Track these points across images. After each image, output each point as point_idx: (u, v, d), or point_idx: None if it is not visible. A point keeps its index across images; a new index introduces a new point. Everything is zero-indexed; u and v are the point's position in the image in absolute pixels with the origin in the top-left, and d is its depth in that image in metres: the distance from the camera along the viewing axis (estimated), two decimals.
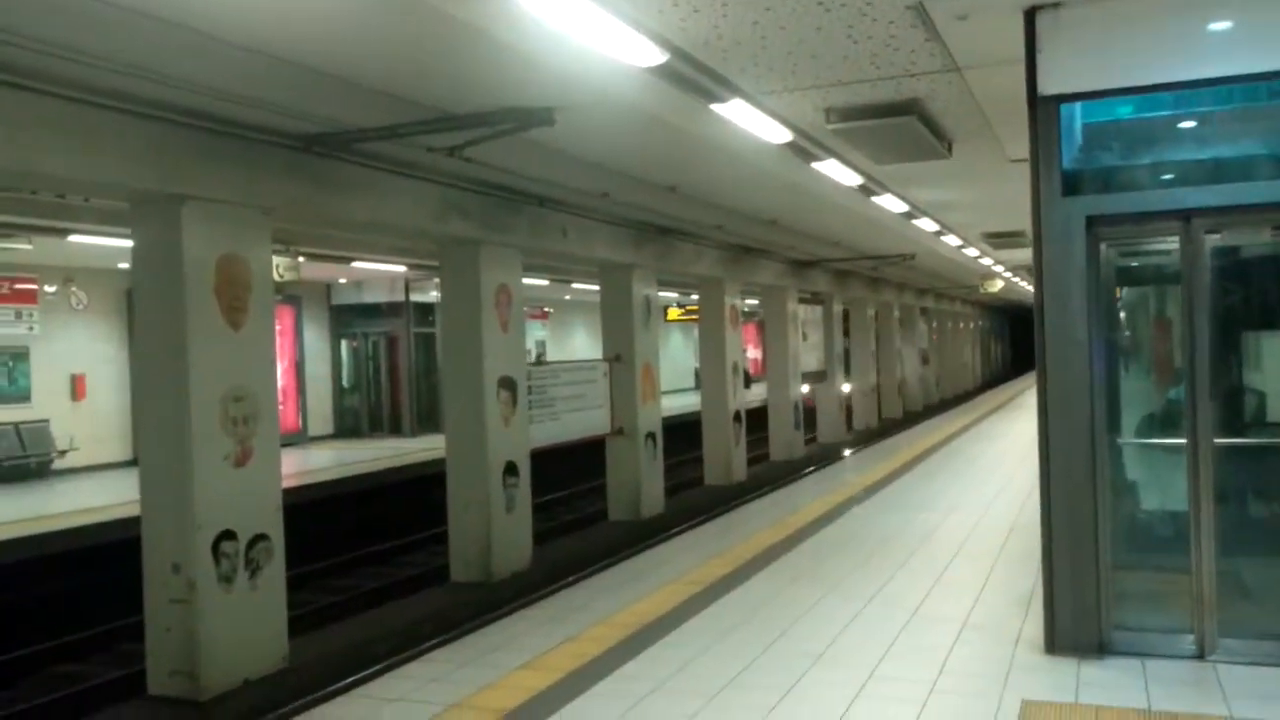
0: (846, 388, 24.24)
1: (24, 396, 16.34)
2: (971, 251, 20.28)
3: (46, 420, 16.37)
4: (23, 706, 8.48)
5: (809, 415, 21.63)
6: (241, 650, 7.08)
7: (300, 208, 7.85)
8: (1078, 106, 5.63)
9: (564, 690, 5.50)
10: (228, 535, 7.04)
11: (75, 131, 6.12)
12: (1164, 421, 6.12)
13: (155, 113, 6.48)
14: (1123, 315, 7.20)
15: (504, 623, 7.09)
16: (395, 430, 21.92)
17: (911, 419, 26.65)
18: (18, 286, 16.25)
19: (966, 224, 16.17)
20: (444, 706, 5.33)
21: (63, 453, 16.36)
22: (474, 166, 8.46)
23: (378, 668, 6.45)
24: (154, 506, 7.04)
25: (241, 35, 5.46)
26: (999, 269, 25.61)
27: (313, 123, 7.17)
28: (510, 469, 10.27)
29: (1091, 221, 5.47)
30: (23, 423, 16.05)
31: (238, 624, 7.07)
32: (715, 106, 7.11)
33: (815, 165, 9.52)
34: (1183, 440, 5.54)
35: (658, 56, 5.77)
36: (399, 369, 22.16)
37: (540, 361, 19.90)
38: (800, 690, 5.35)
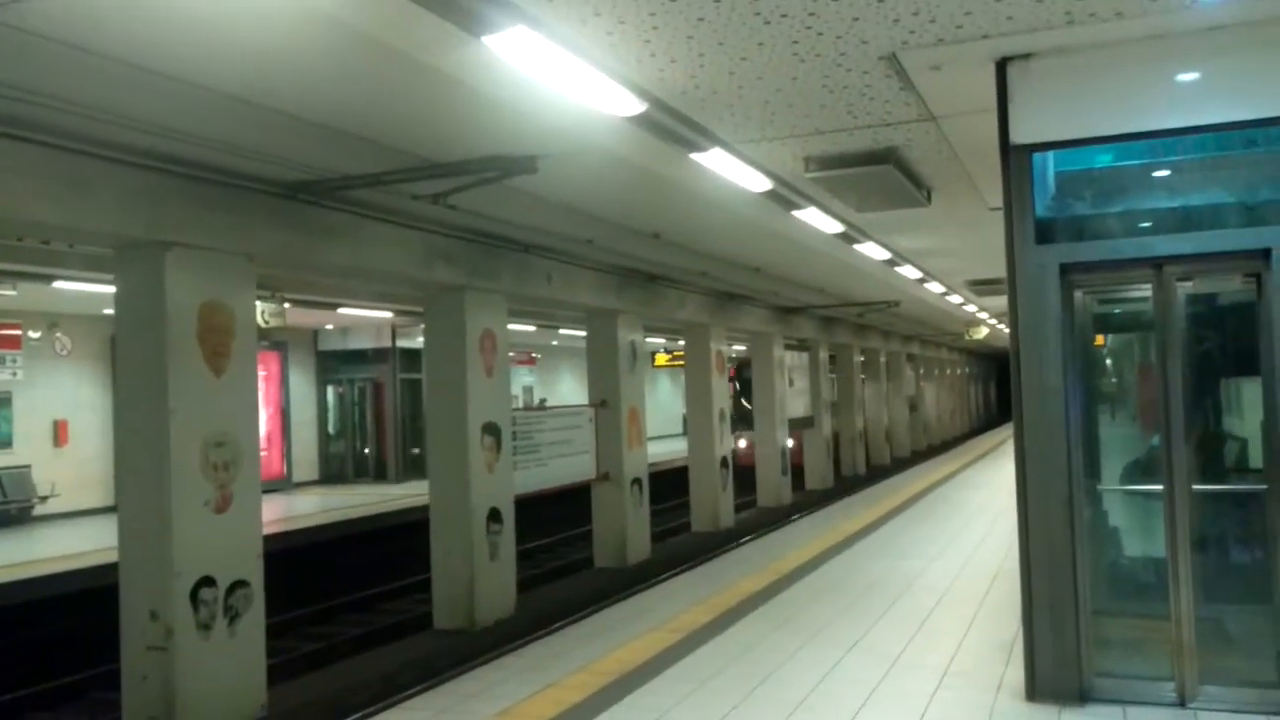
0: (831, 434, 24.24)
1: (5, 442, 16.24)
2: (955, 298, 20.44)
3: (28, 466, 16.25)
4: None
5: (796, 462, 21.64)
6: (219, 699, 6.99)
7: (285, 254, 7.88)
8: (1050, 155, 5.72)
9: None
10: (207, 582, 6.98)
11: (61, 179, 6.15)
12: (1144, 468, 6.15)
13: (141, 160, 6.53)
14: (1107, 362, 7.27)
15: (484, 670, 7.03)
16: (381, 476, 21.83)
17: (899, 465, 26.65)
18: (2, 332, 16.22)
19: (949, 271, 16.31)
20: None
21: (44, 499, 16.23)
22: (459, 214, 8.52)
23: (356, 717, 6.38)
24: (132, 552, 6.98)
25: (225, 84, 5.52)
26: (983, 316, 25.79)
27: (298, 170, 7.23)
28: (494, 515, 10.23)
29: (1065, 269, 5.54)
30: (4, 468, 15.95)
31: (216, 672, 6.98)
32: (695, 155, 7.21)
33: (796, 213, 9.62)
34: (1160, 486, 5.57)
35: (636, 106, 5.86)
36: (385, 415, 22.11)
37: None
38: None
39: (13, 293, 12.41)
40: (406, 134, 6.73)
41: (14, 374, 16.40)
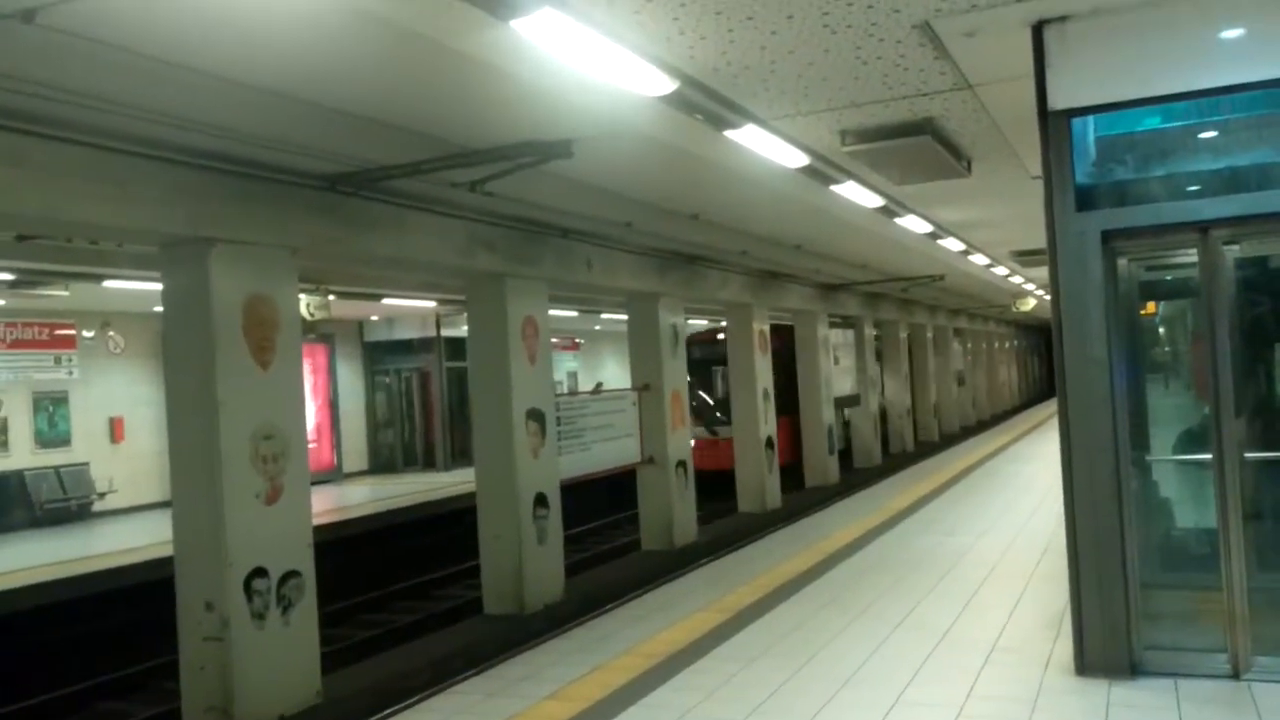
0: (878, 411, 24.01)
1: (64, 440, 16.64)
2: (1001, 270, 20.16)
3: (86, 463, 16.65)
4: None
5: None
6: (275, 687, 7.12)
7: (327, 247, 7.96)
8: (1090, 120, 5.61)
9: None
10: (259, 572, 7.10)
11: (105, 179, 6.26)
12: (1198, 437, 6.03)
13: (183, 158, 6.62)
14: (1159, 330, 7.14)
15: (533, 653, 7.10)
16: (429, 465, 22.06)
17: (948, 440, 26.40)
18: (57, 332, 16.60)
19: (993, 242, 16.09)
20: None
21: (102, 495, 16.62)
22: (497, 201, 8.56)
23: (408, 701, 6.47)
24: (187, 545, 7.12)
25: (261, 78, 5.58)
26: (1030, 287, 25.41)
27: (337, 162, 7.29)
28: (540, 500, 10.29)
29: (1107, 236, 5.44)
30: (63, 466, 16.34)
31: (271, 660, 7.11)
32: (729, 132, 7.16)
33: (835, 188, 9.54)
34: (1209, 455, 5.47)
35: (668, 85, 5.83)
36: (432, 404, 22.32)
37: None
38: (826, 715, 5.31)
39: (65, 293, 12.69)
40: (442, 122, 6.76)
41: (70, 373, 16.78)
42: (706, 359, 20.51)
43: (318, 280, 12.96)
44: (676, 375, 13.58)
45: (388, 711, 6.27)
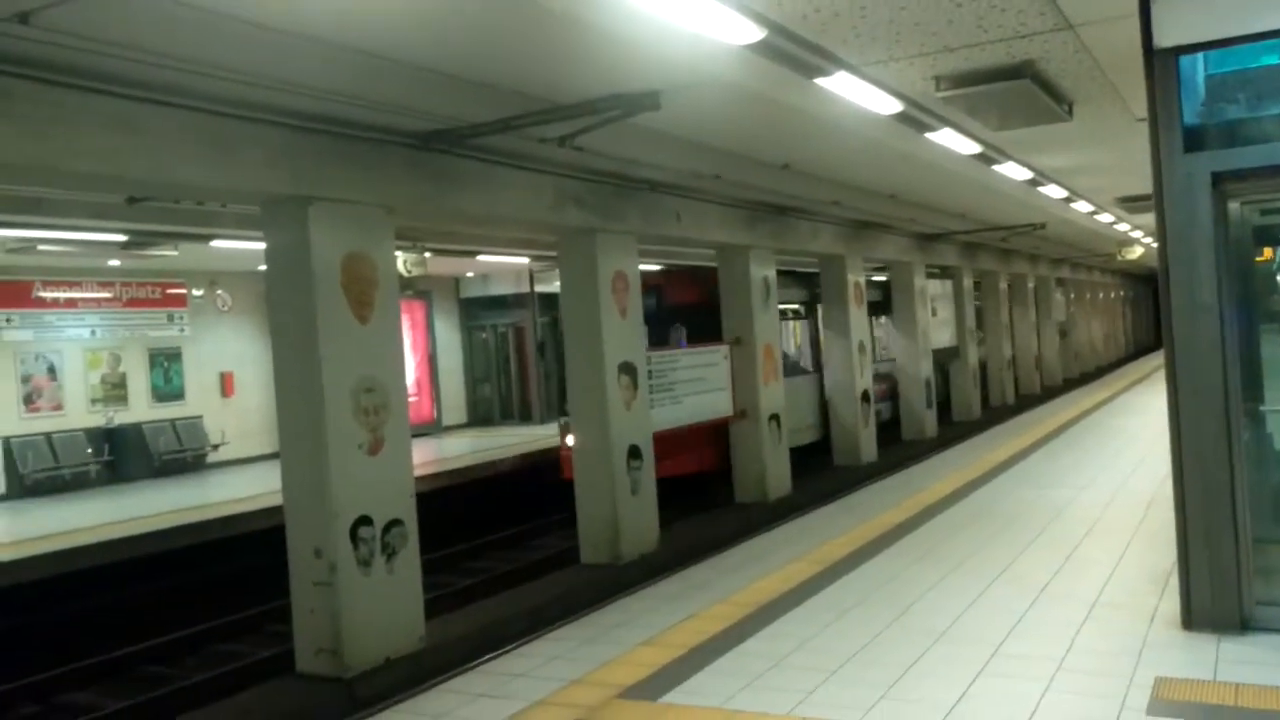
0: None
1: (179, 395, 17.38)
2: (1105, 218, 19.48)
3: (200, 416, 17.37)
4: (185, 683, 9.05)
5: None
6: (381, 631, 7.38)
7: (421, 204, 8.10)
8: (1199, 58, 5.37)
9: (685, 665, 5.60)
10: (364, 521, 7.35)
11: (209, 141, 6.47)
12: None
13: (282, 119, 6.79)
14: (1277, 277, 6.83)
15: (628, 601, 7.23)
16: (526, 418, 22.41)
17: (1049, 394, 25.78)
18: (169, 291, 17.27)
19: (1097, 189, 15.54)
20: (567, 682, 5.49)
21: (215, 447, 17.33)
22: (586, 155, 8.58)
23: (508, 647, 6.66)
24: (295, 494, 7.40)
25: (357, 39, 5.68)
26: (1137, 234, 24.51)
27: (429, 120, 7.39)
28: (634, 452, 10.39)
29: (1217, 178, 5.23)
30: (178, 419, 17.08)
31: (377, 606, 7.37)
32: (819, 80, 7.03)
33: (929, 135, 9.31)
34: None
35: (756, 33, 5.75)
36: (527, 358, 22.63)
37: None
38: (922, 667, 5.30)
39: (174, 253, 13.17)
40: (530, 77, 6.79)
41: (181, 330, 17.47)
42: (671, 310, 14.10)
43: (414, 238, 13.19)
44: (768, 328, 13.52)
45: (488, 656, 6.47)
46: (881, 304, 19.28)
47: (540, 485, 15.42)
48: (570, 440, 11.51)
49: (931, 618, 6.14)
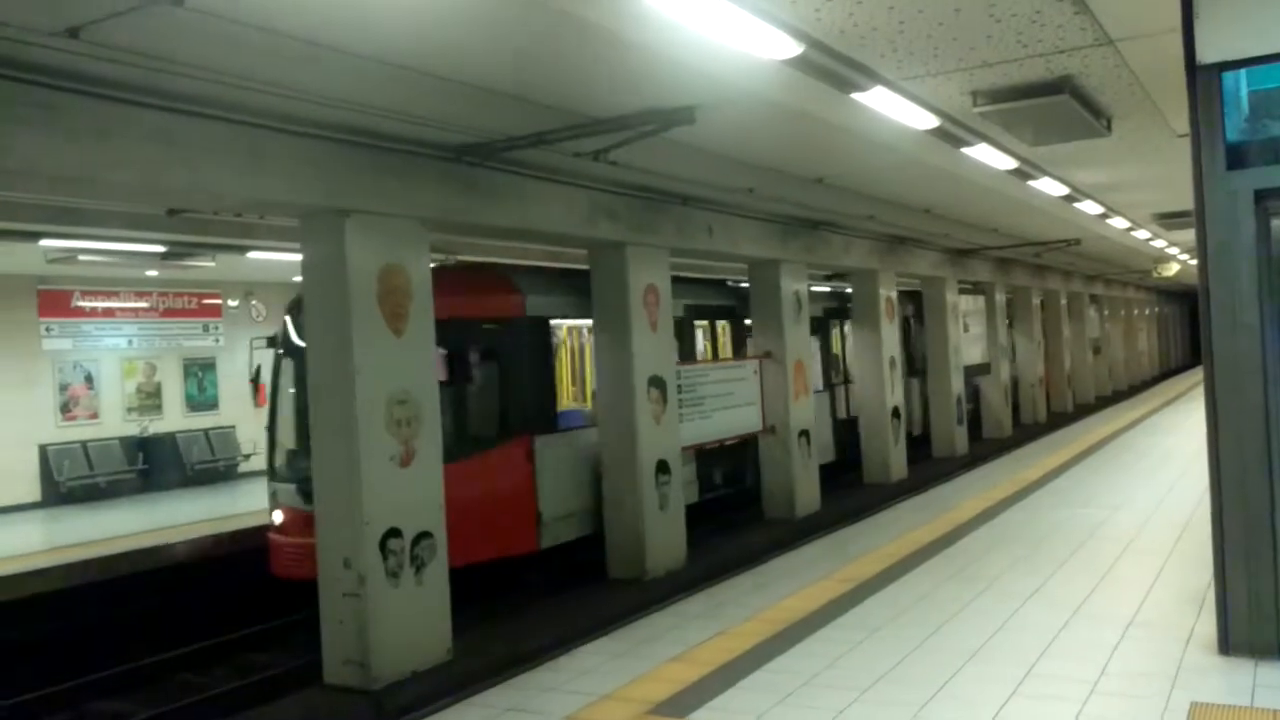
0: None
1: (212, 404, 17.55)
2: (1142, 234, 19.28)
3: (233, 426, 17.51)
4: (215, 691, 9.08)
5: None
6: (409, 643, 7.39)
7: (454, 217, 8.14)
8: (1242, 74, 5.30)
9: (714, 682, 5.56)
10: (394, 533, 7.37)
11: (246, 154, 6.54)
12: None
13: (319, 132, 6.86)
14: None
15: (657, 617, 7.20)
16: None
17: (1082, 411, 25.51)
18: (204, 301, 17.46)
19: (1134, 205, 15.39)
20: (596, 697, 5.46)
21: (247, 456, 17.45)
22: (619, 169, 8.60)
23: (536, 662, 6.64)
24: (327, 504, 7.43)
25: (390, 53, 5.72)
26: (1174, 251, 24.24)
27: (464, 134, 7.43)
28: (662, 467, 10.37)
29: (1260, 196, 5.16)
30: (212, 429, 17.23)
31: (404, 618, 7.39)
32: (856, 95, 7.02)
33: (966, 150, 9.27)
34: None
35: (793, 48, 5.74)
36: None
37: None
38: (953, 687, 5.24)
39: (212, 264, 13.31)
40: (565, 92, 6.81)
41: (217, 340, 17.65)
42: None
43: (446, 251, 13.26)
44: (799, 343, 13.47)
45: (516, 670, 6.46)
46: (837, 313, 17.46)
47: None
48: (280, 517, 9.34)
49: (963, 638, 6.07)
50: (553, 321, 11.01)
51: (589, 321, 10.73)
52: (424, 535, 7.59)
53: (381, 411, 7.33)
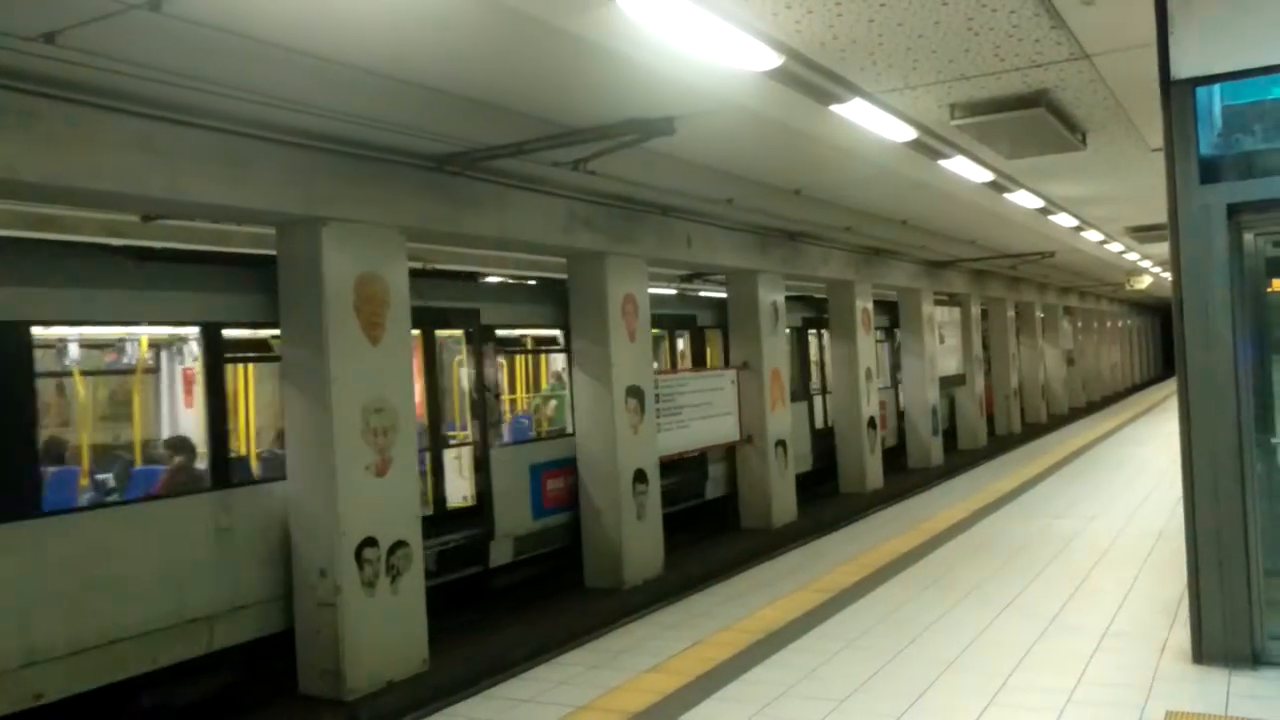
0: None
1: None
2: (1115, 247, 19.48)
3: None
4: (182, 703, 8.96)
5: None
6: (384, 653, 7.34)
7: (433, 225, 8.11)
8: (1216, 89, 5.37)
9: (692, 693, 5.55)
10: (369, 542, 7.32)
11: (224, 161, 6.49)
12: None
13: (297, 140, 6.82)
14: None
15: (634, 627, 7.18)
16: None
17: (1056, 422, 25.70)
18: None
19: (1108, 218, 15.55)
20: (573, 708, 5.44)
21: None
22: (598, 179, 8.60)
23: (512, 672, 6.61)
24: (302, 514, 7.38)
25: (368, 60, 5.69)
26: (1146, 264, 24.50)
27: (443, 142, 7.41)
28: (640, 476, 10.37)
29: (1233, 210, 5.22)
30: None
31: (380, 628, 7.34)
32: (835, 107, 7.06)
33: (943, 163, 9.33)
34: None
35: (774, 60, 5.77)
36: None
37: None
38: (930, 698, 5.26)
39: None
40: (545, 101, 6.81)
41: None
42: None
43: (424, 260, 13.20)
44: (776, 353, 13.51)
45: (493, 680, 6.43)
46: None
47: None
48: None
49: (940, 647, 6.09)
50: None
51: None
52: (400, 545, 7.55)
53: (357, 420, 7.29)
